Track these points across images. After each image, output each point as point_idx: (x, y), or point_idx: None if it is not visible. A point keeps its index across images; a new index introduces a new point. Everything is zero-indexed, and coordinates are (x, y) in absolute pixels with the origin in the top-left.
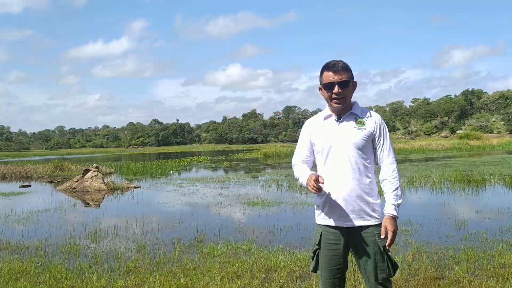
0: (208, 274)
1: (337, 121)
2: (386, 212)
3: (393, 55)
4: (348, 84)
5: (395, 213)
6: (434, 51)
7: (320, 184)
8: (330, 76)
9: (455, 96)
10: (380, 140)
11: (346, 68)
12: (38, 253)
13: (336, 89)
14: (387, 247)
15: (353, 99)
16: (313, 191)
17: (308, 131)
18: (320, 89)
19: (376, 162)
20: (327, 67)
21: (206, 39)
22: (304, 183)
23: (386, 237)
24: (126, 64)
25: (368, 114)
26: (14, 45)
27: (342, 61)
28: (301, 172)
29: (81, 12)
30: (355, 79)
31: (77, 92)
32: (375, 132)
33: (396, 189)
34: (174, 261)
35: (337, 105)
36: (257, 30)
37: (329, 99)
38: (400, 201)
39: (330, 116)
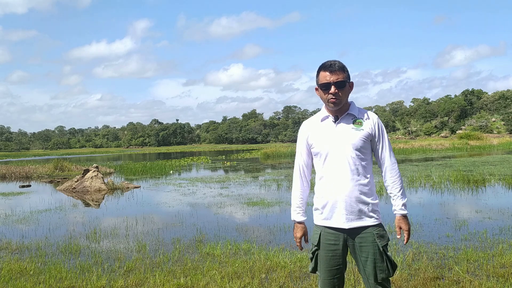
0: (208, 274)
1: (335, 122)
2: (396, 212)
3: (394, 55)
4: (344, 85)
5: (405, 212)
6: (435, 51)
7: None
8: (326, 76)
9: (455, 96)
10: (379, 141)
11: (342, 69)
12: (38, 253)
13: (332, 89)
14: (404, 243)
15: (353, 100)
16: (297, 244)
17: (305, 133)
18: (316, 89)
19: (374, 162)
20: (323, 67)
21: (209, 39)
22: (293, 220)
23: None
24: (128, 64)
25: (365, 114)
26: (17, 46)
27: (339, 61)
28: (294, 202)
29: (85, 12)
30: (353, 80)
31: (78, 92)
32: (373, 133)
33: (402, 188)
34: (174, 261)
35: (333, 105)
36: (259, 30)
37: (326, 100)
38: (406, 199)
39: (327, 117)
